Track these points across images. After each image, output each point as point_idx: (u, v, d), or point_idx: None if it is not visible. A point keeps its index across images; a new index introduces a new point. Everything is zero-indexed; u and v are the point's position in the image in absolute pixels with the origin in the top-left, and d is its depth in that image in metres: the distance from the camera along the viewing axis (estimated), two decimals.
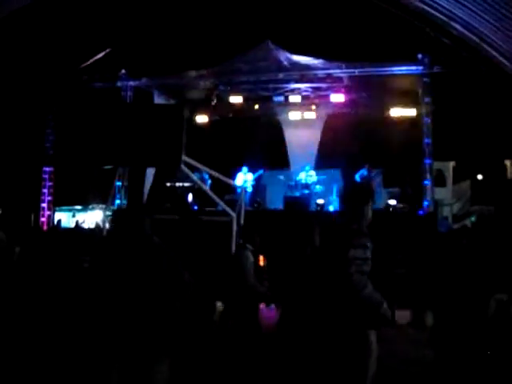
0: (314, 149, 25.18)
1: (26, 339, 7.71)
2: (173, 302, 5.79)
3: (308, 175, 23.19)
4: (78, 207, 23.73)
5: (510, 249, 7.48)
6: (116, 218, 7.21)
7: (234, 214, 17.74)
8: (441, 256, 8.53)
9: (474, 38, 16.78)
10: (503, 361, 6.79)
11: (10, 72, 21.15)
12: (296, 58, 21.82)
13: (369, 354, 5.81)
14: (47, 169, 24.00)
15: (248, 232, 11.05)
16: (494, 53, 17.02)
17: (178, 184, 23.03)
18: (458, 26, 16.57)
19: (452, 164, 23.60)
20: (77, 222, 23.35)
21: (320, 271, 6.16)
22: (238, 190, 20.16)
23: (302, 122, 25.49)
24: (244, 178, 22.93)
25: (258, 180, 23.53)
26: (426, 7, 16.33)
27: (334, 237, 6.16)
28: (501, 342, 7.04)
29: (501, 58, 17.11)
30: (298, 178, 23.44)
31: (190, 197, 22.61)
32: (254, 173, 23.30)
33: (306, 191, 22.88)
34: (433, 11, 16.38)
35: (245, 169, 23.18)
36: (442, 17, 16.48)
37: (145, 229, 6.06)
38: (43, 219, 23.93)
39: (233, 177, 21.82)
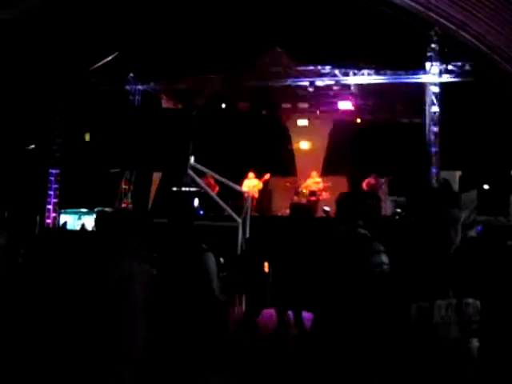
0: (320, 156, 25.19)
1: (29, 341, 7.67)
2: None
3: (315, 182, 23.15)
4: (84, 210, 23.68)
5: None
6: (98, 221, 7.17)
7: (239, 220, 17.75)
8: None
9: (484, 48, 16.78)
10: None
11: (19, 73, 21.19)
12: (303, 64, 21.83)
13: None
14: (53, 171, 23.99)
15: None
16: (504, 63, 17.00)
17: (184, 189, 23.02)
18: (468, 36, 16.56)
19: (458, 173, 23.51)
20: (82, 225, 23.34)
21: (339, 278, 6.10)
22: (245, 196, 20.16)
23: (309, 129, 25.48)
24: (251, 184, 22.90)
25: (264, 186, 23.50)
26: (436, 16, 16.33)
27: (345, 244, 6.08)
28: None
29: (509, 68, 17.10)
30: (304, 185, 23.41)
31: (196, 202, 22.59)
32: (260, 178, 23.28)
33: (313, 198, 22.84)
34: (443, 20, 16.38)
35: (251, 174, 23.14)
36: (451, 26, 16.47)
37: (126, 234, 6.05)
38: (49, 221, 23.92)
39: (239, 182, 21.79)
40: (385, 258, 5.76)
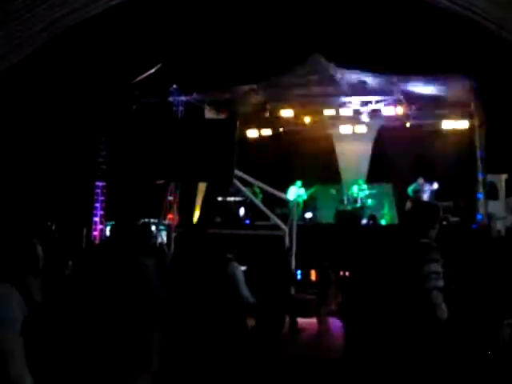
0: (365, 162, 25.05)
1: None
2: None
3: (360, 189, 23.05)
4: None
5: None
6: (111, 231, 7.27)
7: (286, 228, 17.71)
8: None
9: None
10: None
11: (65, 86, 21.43)
12: (346, 71, 21.72)
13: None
14: (100, 183, 24.20)
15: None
16: None
17: (229, 198, 23.07)
18: (508, 35, 16.27)
19: (504, 177, 23.22)
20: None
21: (395, 287, 6.03)
22: (291, 204, 20.12)
23: (353, 136, 25.30)
24: (297, 192, 22.88)
25: (309, 195, 23.49)
26: (476, 17, 16.06)
27: (407, 252, 6.01)
28: None
29: None
30: (349, 192, 23.33)
31: (242, 211, 22.63)
32: (306, 188, 23.27)
33: (358, 205, 22.76)
34: (483, 20, 16.11)
35: (298, 182, 23.12)
36: (491, 25, 16.20)
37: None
38: (95, 233, 24.11)
39: (284, 191, 21.78)
40: (438, 267, 5.68)
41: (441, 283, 5.64)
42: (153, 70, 22.61)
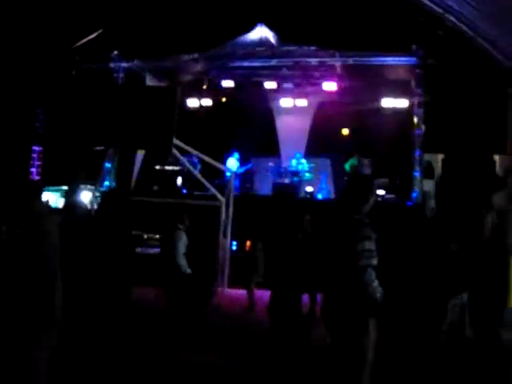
0: (304, 137, 25.18)
1: None
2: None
3: (299, 163, 23.18)
4: (66, 188, 23.56)
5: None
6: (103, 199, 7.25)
7: (223, 199, 17.77)
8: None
9: (469, 31, 16.79)
10: None
11: (3, 49, 21.00)
12: (289, 44, 21.75)
13: (367, 342, 5.78)
14: (36, 148, 23.86)
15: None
16: (489, 46, 17.03)
17: (167, 167, 22.99)
18: (453, 19, 16.57)
19: (441, 156, 23.57)
20: (65, 202, 23.18)
21: (322, 261, 6.11)
22: (228, 175, 20.18)
23: (293, 110, 25.42)
24: (235, 164, 22.97)
25: (246, 170, 23.62)
26: None
27: (337, 227, 6.08)
28: None
29: (495, 53, 17.13)
30: (287, 165, 23.45)
31: (180, 180, 22.58)
32: (242, 162, 23.38)
33: (296, 178, 22.89)
34: (429, 2, 16.36)
35: (236, 154, 23.21)
36: (437, 8, 16.46)
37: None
38: None
39: (223, 161, 21.83)
40: (371, 245, 5.77)
41: (374, 261, 5.74)
42: (94, 36, 22.31)
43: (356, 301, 5.70)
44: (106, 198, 7.64)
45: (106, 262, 7.56)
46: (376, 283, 5.68)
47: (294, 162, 23.33)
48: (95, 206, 19.97)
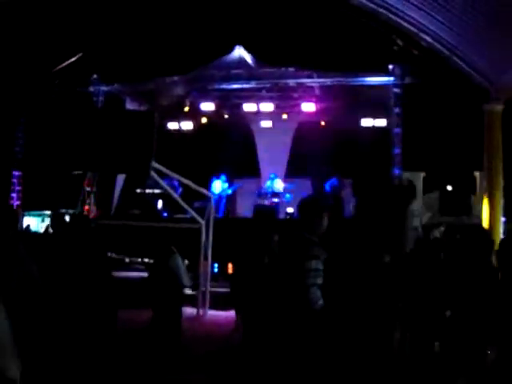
0: (284, 157, 25.30)
1: None
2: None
3: (274, 184, 23.27)
4: (48, 212, 23.51)
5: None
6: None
7: (202, 222, 17.77)
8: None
9: (444, 49, 16.93)
10: None
11: None
12: (267, 67, 21.87)
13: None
14: (16, 173, 23.81)
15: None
16: (463, 65, 17.17)
17: (147, 191, 23.00)
18: (427, 38, 16.69)
19: (422, 175, 23.68)
20: (47, 227, 23.15)
21: (276, 281, 6.18)
22: (215, 198, 20.24)
23: (273, 131, 25.53)
24: (222, 187, 23.03)
25: (234, 192, 23.74)
26: (396, 18, 16.43)
27: (290, 246, 6.18)
28: None
29: (470, 70, 17.27)
30: (267, 186, 23.51)
31: (160, 203, 22.58)
32: (230, 183, 23.45)
33: (276, 200, 22.94)
34: (403, 22, 16.51)
35: (223, 177, 23.26)
36: (411, 28, 16.61)
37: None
38: None
39: (206, 184, 21.83)
40: (318, 264, 5.82)
41: (319, 280, 5.79)
42: (73, 59, 22.33)
43: (299, 318, 5.77)
44: (69, 225, 7.62)
45: (80, 289, 7.53)
46: (321, 302, 5.74)
47: (268, 182, 23.41)
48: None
